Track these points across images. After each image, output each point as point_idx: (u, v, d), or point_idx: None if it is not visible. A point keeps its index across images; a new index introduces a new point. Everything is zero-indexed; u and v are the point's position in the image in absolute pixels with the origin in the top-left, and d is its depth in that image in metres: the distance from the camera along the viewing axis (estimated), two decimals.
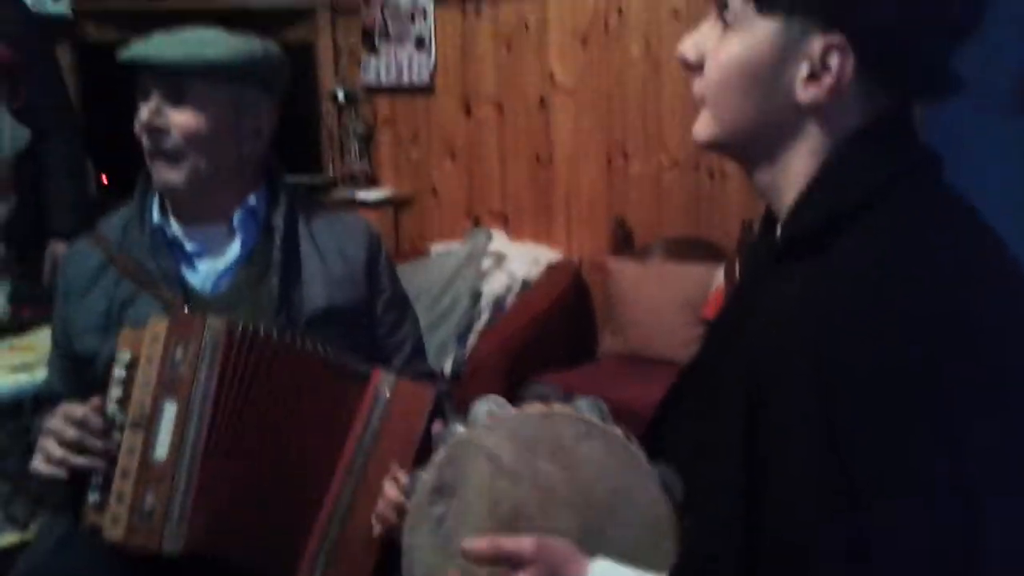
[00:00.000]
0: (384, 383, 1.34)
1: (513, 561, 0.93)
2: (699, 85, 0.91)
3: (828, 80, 0.83)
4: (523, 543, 0.93)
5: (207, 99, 1.40)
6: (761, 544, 0.78)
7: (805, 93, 0.84)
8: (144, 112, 1.40)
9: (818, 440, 0.76)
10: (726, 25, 0.87)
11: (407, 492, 1.05)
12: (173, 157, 1.40)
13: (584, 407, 1.00)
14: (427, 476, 1.01)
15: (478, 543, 0.95)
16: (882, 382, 0.74)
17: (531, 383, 1.06)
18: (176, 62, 1.37)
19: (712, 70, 0.89)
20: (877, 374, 0.74)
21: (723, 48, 0.87)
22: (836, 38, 0.81)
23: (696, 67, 0.91)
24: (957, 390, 0.74)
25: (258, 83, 1.45)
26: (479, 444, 0.99)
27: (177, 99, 1.39)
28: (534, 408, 1.00)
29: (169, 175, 1.41)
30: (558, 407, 1.00)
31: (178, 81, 1.39)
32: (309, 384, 1.32)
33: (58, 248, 2.54)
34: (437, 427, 1.27)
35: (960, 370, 0.75)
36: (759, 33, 0.85)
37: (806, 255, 0.83)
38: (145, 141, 1.41)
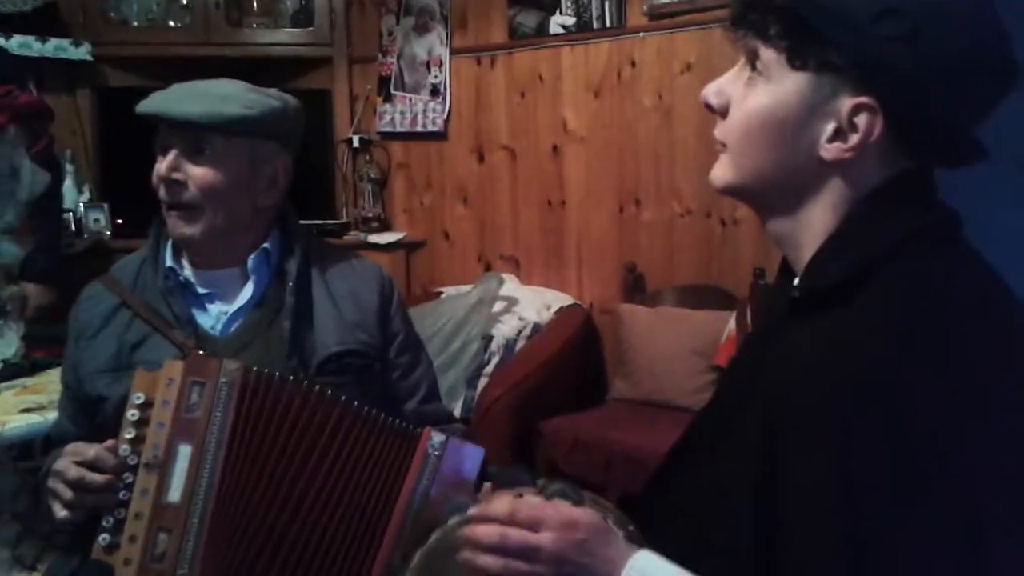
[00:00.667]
0: (433, 444, 1.29)
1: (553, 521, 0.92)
2: (721, 130, 0.92)
3: (855, 139, 0.83)
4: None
5: (225, 154, 1.42)
6: None
7: (829, 150, 0.85)
8: (163, 166, 1.42)
9: (831, 495, 0.76)
10: (754, 73, 0.88)
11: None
12: (189, 209, 1.42)
13: (554, 491, 0.98)
14: (415, 563, 1.01)
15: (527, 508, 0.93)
16: (897, 444, 0.74)
17: (504, 470, 1.05)
18: (196, 119, 1.39)
19: (737, 117, 0.89)
20: (892, 435, 0.74)
21: (751, 97, 0.88)
22: (867, 99, 0.82)
23: (719, 112, 0.91)
24: (972, 455, 0.74)
25: (275, 136, 1.47)
26: (453, 542, 0.98)
27: (195, 153, 1.41)
28: (503, 499, 0.98)
29: (185, 229, 1.43)
30: (526, 496, 0.98)
31: (197, 136, 1.41)
32: (339, 435, 1.28)
33: (27, 288, 2.56)
34: (486, 488, 1.25)
35: (976, 434, 0.75)
36: (789, 87, 0.85)
37: (824, 307, 0.84)
38: (162, 193, 1.43)
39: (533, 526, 0.91)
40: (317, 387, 1.33)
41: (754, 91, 0.88)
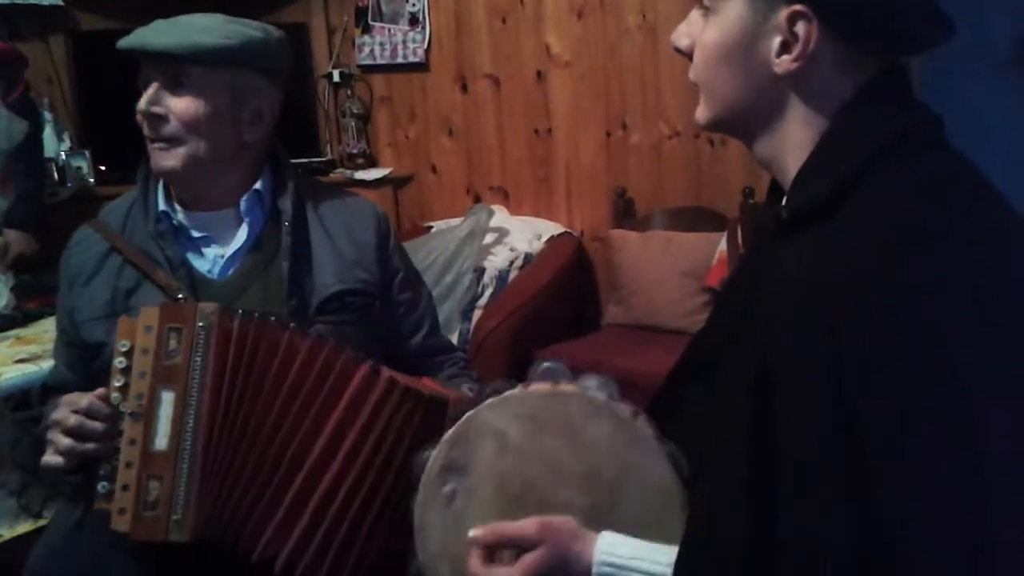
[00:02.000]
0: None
1: (518, 544, 0.95)
2: (692, 72, 0.95)
3: (798, 48, 0.85)
4: (527, 526, 0.95)
5: (205, 85, 1.39)
6: (770, 515, 0.79)
7: (780, 64, 0.87)
8: (143, 100, 1.40)
9: (828, 411, 0.76)
10: (705, 11, 0.92)
11: (415, 469, 1.06)
12: (170, 142, 1.40)
13: (593, 385, 1.00)
14: (436, 454, 1.02)
15: (481, 532, 0.96)
16: (891, 350, 0.74)
17: (539, 360, 1.06)
18: (172, 49, 1.37)
19: (698, 56, 0.93)
20: (886, 342, 0.75)
21: (705, 34, 0.92)
22: (799, 6, 0.84)
23: (689, 54, 0.94)
24: (967, 355, 0.74)
25: (257, 68, 1.44)
26: (486, 422, 1.00)
27: (175, 86, 1.39)
28: (542, 387, 1.00)
29: (166, 160, 1.40)
30: (565, 386, 1.00)
31: (175, 68, 1.38)
32: (331, 378, 1.27)
33: (9, 235, 2.54)
34: (453, 396, 1.26)
35: (969, 334, 0.75)
36: (731, 14, 0.89)
37: (811, 224, 0.84)
38: (145, 128, 1.41)
39: None
40: (307, 327, 1.33)
41: (707, 27, 0.91)
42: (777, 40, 0.86)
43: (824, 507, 0.75)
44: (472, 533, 0.97)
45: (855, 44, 0.86)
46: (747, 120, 0.92)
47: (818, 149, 0.87)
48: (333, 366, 1.28)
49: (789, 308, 0.81)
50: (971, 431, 0.73)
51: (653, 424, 1.00)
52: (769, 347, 0.82)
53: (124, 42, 1.39)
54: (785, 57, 0.86)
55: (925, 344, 0.74)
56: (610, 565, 0.92)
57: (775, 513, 0.78)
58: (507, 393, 1.00)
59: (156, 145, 1.41)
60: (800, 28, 0.84)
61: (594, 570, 0.92)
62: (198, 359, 1.26)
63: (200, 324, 1.27)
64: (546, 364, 1.04)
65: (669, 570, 0.88)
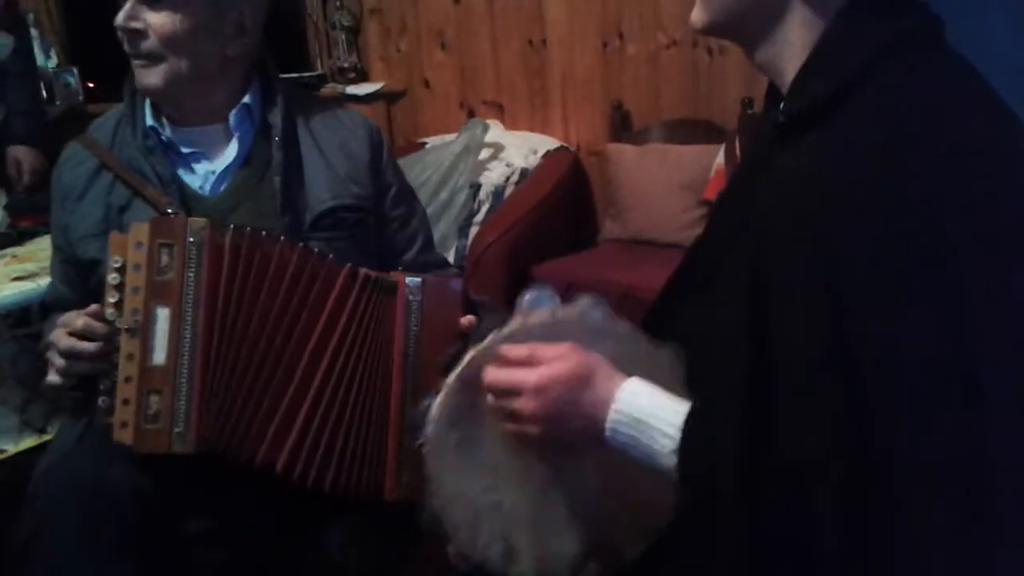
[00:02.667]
0: (411, 289, 1.34)
1: (543, 357, 0.96)
2: None
3: None
4: (559, 346, 0.96)
5: None
6: (767, 419, 0.79)
7: None
8: (120, 15, 1.36)
9: (822, 315, 0.76)
10: None
11: (417, 417, 1.06)
12: (151, 59, 1.37)
13: (588, 306, 1.00)
14: (442, 399, 1.01)
15: (517, 349, 0.97)
16: (886, 254, 0.74)
17: (524, 292, 1.05)
18: None
19: None
20: (881, 246, 0.74)
21: None
22: None
23: None
24: (963, 260, 0.74)
25: None
26: (484, 366, 0.99)
27: (152, 1, 1.35)
28: (540, 318, 1.00)
29: (148, 78, 1.38)
30: (563, 313, 1.00)
31: None
32: (316, 287, 1.31)
33: (17, 153, 2.52)
34: (465, 320, 1.28)
35: (966, 239, 0.74)
36: None
37: (809, 129, 0.83)
38: (124, 43, 1.38)
39: (511, 393, 0.96)
40: (297, 241, 1.33)
41: None
42: None
43: (820, 411, 0.76)
44: (503, 350, 0.98)
45: None
46: (745, 23, 0.91)
47: (817, 52, 0.86)
48: (319, 274, 1.31)
49: (785, 213, 0.81)
50: (969, 343, 0.73)
51: (650, 337, 1.00)
52: (764, 252, 0.82)
53: None
54: None
55: (922, 250, 0.74)
56: (626, 415, 0.92)
57: (772, 417, 0.79)
58: (506, 330, 1.00)
59: (137, 62, 1.38)
60: None
61: (611, 412, 0.93)
62: (191, 275, 1.27)
63: (191, 239, 1.27)
64: (532, 294, 1.04)
65: (678, 433, 0.89)
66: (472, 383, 1.00)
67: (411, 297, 1.34)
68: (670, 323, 1.06)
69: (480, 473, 1.02)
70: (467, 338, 1.28)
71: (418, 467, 1.26)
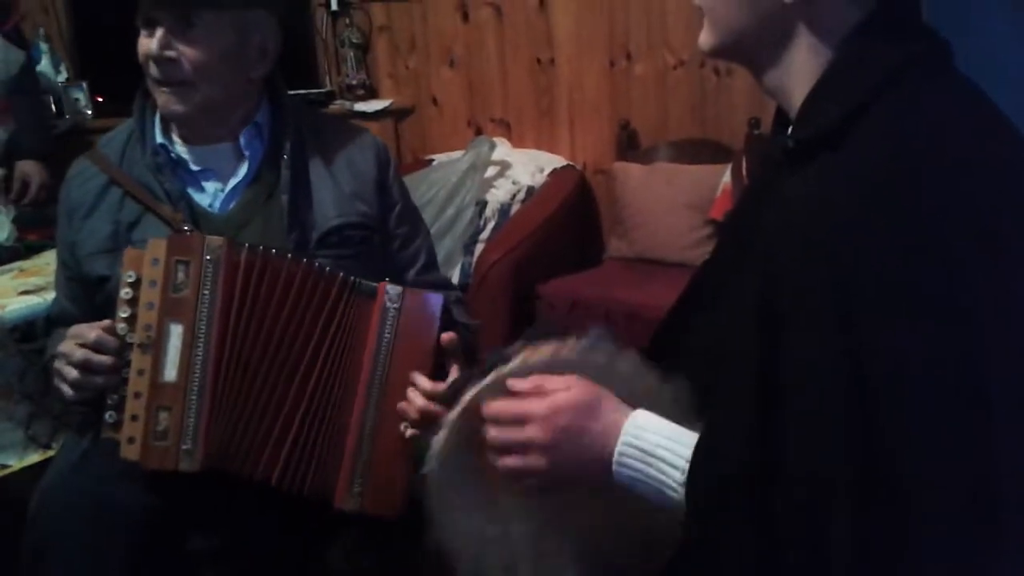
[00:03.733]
0: (390, 296, 1.34)
1: (550, 389, 0.96)
2: None
3: None
4: (567, 377, 0.96)
5: (215, 28, 1.36)
6: (775, 440, 0.79)
7: None
8: (153, 44, 1.35)
9: (832, 336, 0.76)
10: None
11: (425, 452, 1.06)
12: (183, 86, 1.37)
13: (593, 341, 1.00)
14: (443, 439, 1.01)
15: (520, 382, 0.97)
16: (894, 271, 0.74)
17: (537, 324, 1.06)
18: None
19: None
20: (893, 271, 0.74)
21: None
22: None
23: None
24: (970, 275, 0.74)
25: (262, 4, 1.41)
26: (492, 387, 0.99)
27: (185, 29, 1.35)
28: (544, 351, 1.00)
29: (177, 104, 1.38)
30: (566, 350, 1.00)
31: (186, 11, 1.35)
32: (315, 300, 1.32)
33: (26, 168, 2.52)
34: (447, 337, 1.28)
35: (976, 261, 0.74)
36: None
37: (818, 153, 0.83)
38: (153, 70, 1.38)
39: (518, 422, 0.95)
40: (301, 257, 1.34)
41: None
42: None
43: (831, 432, 0.76)
44: (509, 383, 0.98)
45: None
46: (752, 48, 0.91)
47: (825, 77, 0.86)
48: (319, 287, 1.32)
49: (794, 236, 0.80)
50: (977, 357, 0.73)
51: (653, 368, 1.00)
52: (774, 274, 0.81)
53: None
54: None
55: (929, 265, 0.74)
56: (634, 447, 0.92)
57: (782, 439, 0.79)
58: (508, 366, 1.00)
59: (165, 89, 1.38)
60: None
61: (619, 445, 0.92)
62: (206, 292, 1.27)
63: (208, 257, 1.27)
64: (538, 328, 1.04)
65: (686, 464, 0.88)
66: (474, 418, 1.00)
67: (389, 304, 1.34)
68: (678, 343, 1.06)
69: (483, 508, 1.02)
70: (444, 353, 1.29)
71: (376, 479, 1.27)
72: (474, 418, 1.00)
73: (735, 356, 0.86)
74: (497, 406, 0.97)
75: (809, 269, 0.78)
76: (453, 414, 1.01)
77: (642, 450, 0.92)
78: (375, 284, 1.35)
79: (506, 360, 1.00)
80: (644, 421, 0.93)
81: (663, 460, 0.90)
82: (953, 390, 0.73)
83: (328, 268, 1.34)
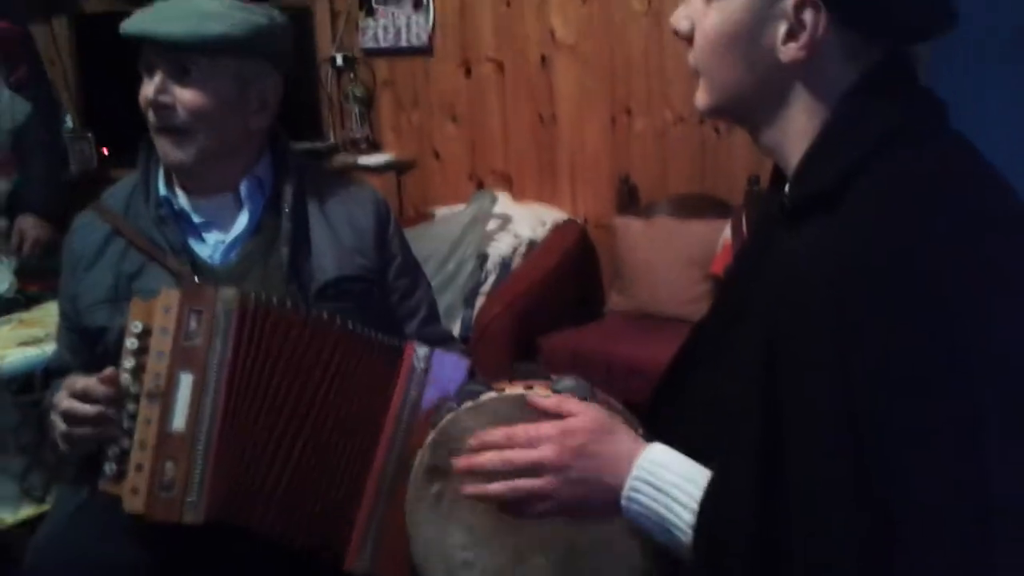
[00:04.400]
0: (418, 356, 1.33)
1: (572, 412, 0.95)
2: (692, 56, 0.93)
3: (805, 36, 0.84)
4: (585, 405, 0.96)
5: (212, 75, 1.38)
6: (779, 498, 0.79)
7: (786, 52, 0.85)
8: (149, 89, 1.38)
9: (836, 396, 0.76)
10: None
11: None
12: (180, 134, 1.39)
13: (565, 387, 1.01)
14: (421, 457, 1.03)
15: (545, 400, 0.96)
16: (899, 338, 0.74)
17: (519, 363, 1.07)
18: (179, 39, 1.35)
19: (699, 41, 0.91)
20: (893, 330, 0.74)
21: (706, 18, 0.90)
22: None
23: (688, 38, 0.93)
24: (973, 341, 0.74)
25: (263, 55, 1.43)
26: (466, 426, 1.00)
27: (182, 75, 1.38)
28: (514, 391, 1.01)
29: (176, 152, 1.40)
30: (538, 388, 1.01)
31: (182, 57, 1.37)
32: (332, 355, 1.31)
33: (24, 224, 2.52)
34: (431, 400, 1.28)
35: (976, 321, 0.74)
36: (734, 1, 0.87)
37: (816, 212, 0.83)
38: (151, 117, 1.40)
39: (532, 444, 0.94)
40: (312, 310, 1.33)
41: (708, 12, 0.90)
42: (783, 27, 0.85)
43: (832, 487, 0.76)
44: (530, 397, 0.98)
45: (861, 32, 0.85)
46: (749, 107, 0.91)
47: (822, 137, 0.87)
48: (331, 340, 1.31)
49: (796, 296, 0.81)
50: (976, 418, 0.73)
51: (631, 422, 1.00)
52: (776, 333, 0.81)
53: (128, 27, 1.37)
54: (791, 45, 0.85)
55: (933, 328, 0.74)
56: (648, 483, 0.91)
57: (785, 491, 0.78)
58: (482, 398, 1.01)
59: (164, 137, 1.40)
60: (807, 16, 0.83)
61: (631, 478, 0.91)
62: (218, 343, 1.27)
63: (221, 307, 1.27)
64: (525, 367, 1.06)
65: (697, 506, 0.88)
66: (453, 440, 1.00)
67: (416, 364, 1.33)
68: (678, 398, 1.05)
69: (455, 530, 1.02)
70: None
71: (389, 543, 1.25)
72: (451, 439, 1.00)
73: (739, 407, 0.85)
74: (507, 430, 0.96)
75: (812, 327, 0.78)
76: (432, 433, 1.02)
77: (656, 487, 0.91)
78: (400, 343, 1.34)
79: (480, 391, 1.01)
80: (661, 456, 0.92)
81: (675, 500, 0.89)
82: (953, 451, 0.73)
83: (351, 323, 1.33)
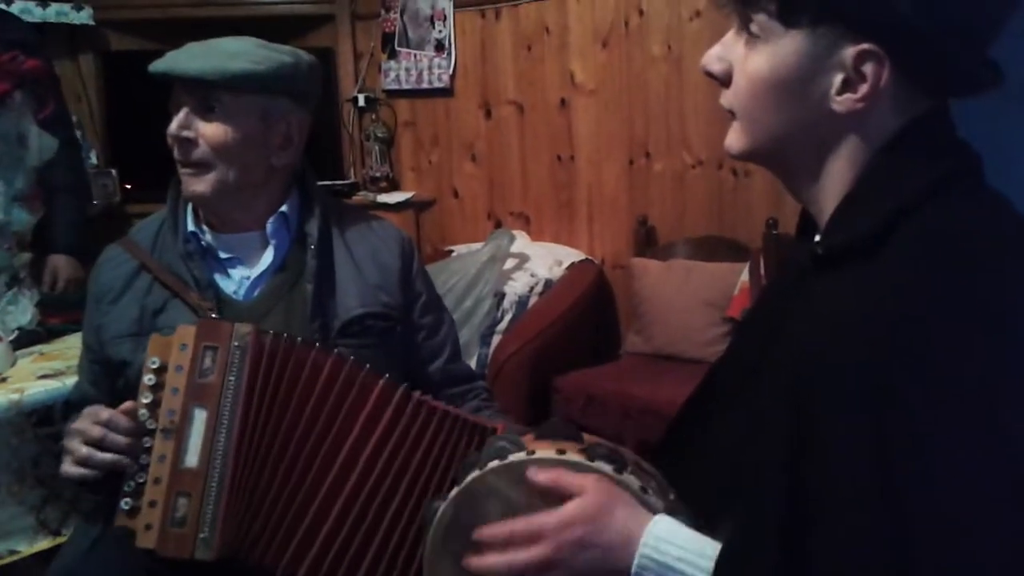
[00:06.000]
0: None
1: (571, 491, 0.93)
2: (727, 98, 0.90)
3: (864, 89, 0.82)
4: (586, 478, 0.93)
5: (235, 110, 1.40)
6: (803, 549, 0.77)
7: (842, 103, 0.83)
8: (173, 124, 1.41)
9: (866, 451, 0.74)
10: (751, 36, 0.86)
11: (426, 516, 1.05)
12: (200, 167, 1.41)
13: (600, 456, 0.98)
14: (444, 509, 1.01)
15: (541, 473, 0.94)
16: (933, 396, 0.73)
17: (548, 422, 1.05)
18: (203, 75, 1.38)
19: (742, 84, 0.88)
20: (929, 388, 0.73)
21: (751, 62, 0.86)
22: (869, 45, 0.80)
23: (722, 80, 0.90)
24: (1011, 401, 0.73)
25: (287, 93, 1.45)
26: (492, 486, 0.99)
27: (206, 111, 1.40)
28: (546, 453, 0.98)
29: (196, 185, 1.42)
30: (570, 454, 0.98)
31: (206, 93, 1.39)
32: (349, 393, 1.30)
33: (57, 262, 2.55)
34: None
35: (1016, 379, 0.73)
36: (788, 47, 0.84)
37: (851, 261, 0.82)
38: (175, 151, 1.42)
39: (533, 540, 0.92)
40: (330, 348, 1.33)
41: (754, 54, 0.86)
42: (839, 78, 0.82)
43: (859, 538, 0.74)
44: (529, 473, 0.95)
45: (921, 87, 0.83)
46: (788, 154, 0.89)
47: (859, 187, 0.85)
48: (354, 383, 1.30)
49: (827, 346, 0.79)
50: (1014, 475, 0.71)
51: (663, 487, 0.98)
52: (804, 384, 0.79)
53: (156, 65, 1.40)
54: (848, 96, 0.82)
55: (974, 392, 0.73)
56: (654, 561, 0.89)
57: (809, 541, 0.77)
58: (511, 458, 0.99)
59: (186, 170, 1.42)
60: (869, 68, 0.81)
61: (637, 558, 0.89)
62: (232, 378, 1.27)
63: (235, 344, 1.28)
64: (555, 423, 1.03)
65: None
66: (476, 500, 0.99)
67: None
68: (693, 443, 1.04)
69: None
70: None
71: None
72: (472, 501, 0.99)
73: (762, 456, 0.83)
74: (507, 525, 0.94)
75: (845, 377, 0.76)
76: (453, 492, 1.00)
77: (662, 564, 0.88)
78: (494, 425, 1.34)
79: (510, 450, 0.99)
80: (664, 531, 0.90)
81: (682, 573, 0.87)
82: (993, 511, 0.71)
83: (366, 363, 1.32)
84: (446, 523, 1.01)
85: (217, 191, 1.42)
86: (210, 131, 1.40)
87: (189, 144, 1.41)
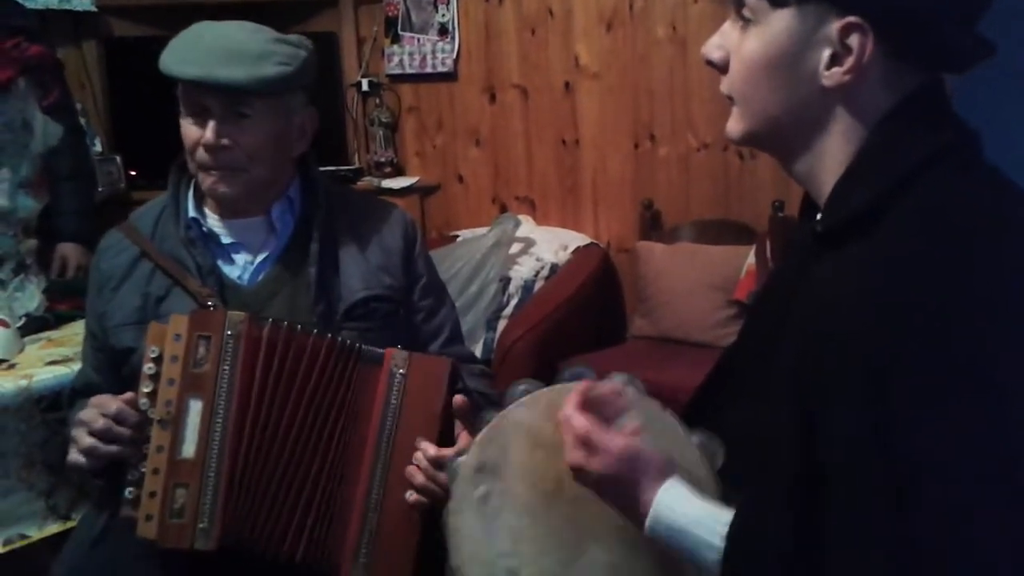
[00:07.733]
0: (397, 361, 1.33)
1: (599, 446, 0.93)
2: (726, 84, 0.93)
3: (850, 61, 0.83)
4: (616, 436, 0.93)
5: (266, 114, 1.40)
6: (815, 519, 0.78)
7: (830, 77, 0.85)
8: (209, 133, 1.37)
9: (871, 422, 0.75)
10: (745, 22, 0.89)
11: (449, 476, 1.06)
12: (234, 171, 1.40)
13: (622, 383, 1.01)
14: (468, 458, 1.02)
15: (579, 419, 0.94)
16: (935, 368, 0.74)
17: (568, 366, 1.06)
18: (240, 84, 1.35)
19: (736, 68, 0.91)
20: (930, 360, 0.74)
21: (744, 45, 0.89)
22: (853, 18, 0.82)
23: (722, 67, 0.92)
24: (1012, 374, 0.73)
25: (304, 87, 1.46)
26: (518, 421, 1.00)
27: (239, 117, 1.38)
28: (569, 385, 1.00)
29: (227, 187, 1.41)
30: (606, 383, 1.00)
31: (238, 99, 1.37)
32: (329, 373, 1.32)
33: (65, 250, 2.56)
34: (458, 400, 1.27)
35: (1018, 354, 0.74)
36: (776, 26, 0.86)
37: (850, 238, 0.83)
38: (202, 156, 1.40)
39: (593, 451, 0.93)
40: (335, 332, 1.34)
41: (748, 38, 0.89)
42: (827, 52, 0.84)
43: (868, 526, 0.75)
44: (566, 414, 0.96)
45: (906, 59, 0.84)
46: (785, 134, 0.90)
47: (856, 163, 0.86)
48: (338, 361, 1.31)
49: (828, 322, 0.80)
50: (1016, 447, 0.72)
51: (679, 418, 1.00)
52: (810, 358, 0.80)
53: (180, 70, 1.36)
54: (836, 69, 0.84)
55: (971, 362, 0.73)
56: (666, 524, 0.90)
57: (821, 518, 0.78)
58: (538, 392, 1.01)
59: (215, 172, 1.40)
60: (854, 40, 0.83)
61: (648, 518, 0.91)
62: (226, 368, 1.27)
63: (228, 333, 1.28)
64: (574, 369, 1.04)
65: (721, 544, 0.87)
66: (504, 435, 1.00)
67: (395, 369, 1.33)
68: (707, 424, 1.05)
69: (500, 536, 1.01)
70: (450, 419, 1.28)
71: (384, 548, 1.24)
72: (500, 437, 1.00)
73: (770, 440, 0.85)
74: (590, 425, 0.94)
75: (847, 353, 0.77)
76: (481, 434, 1.02)
77: (674, 527, 0.90)
78: (381, 350, 1.35)
79: (531, 390, 1.01)
80: (676, 495, 0.91)
81: (698, 538, 0.89)
82: (993, 478, 0.72)
83: (345, 339, 1.34)
84: (471, 467, 1.02)
85: (248, 190, 1.42)
86: (246, 138, 1.39)
87: (226, 151, 1.39)
